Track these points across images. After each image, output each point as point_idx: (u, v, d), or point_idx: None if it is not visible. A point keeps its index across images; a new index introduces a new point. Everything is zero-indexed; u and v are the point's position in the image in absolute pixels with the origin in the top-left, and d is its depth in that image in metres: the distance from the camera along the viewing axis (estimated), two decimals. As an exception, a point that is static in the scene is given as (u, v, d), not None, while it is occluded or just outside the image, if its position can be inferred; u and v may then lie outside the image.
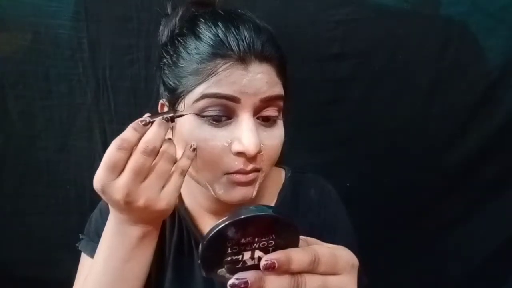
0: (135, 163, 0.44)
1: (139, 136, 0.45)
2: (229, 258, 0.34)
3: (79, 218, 0.83)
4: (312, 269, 0.34)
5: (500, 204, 0.90)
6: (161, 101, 0.57)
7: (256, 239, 0.33)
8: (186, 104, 0.50)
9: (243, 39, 0.49)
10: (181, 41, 0.52)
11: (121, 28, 0.77)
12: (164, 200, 0.47)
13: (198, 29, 0.51)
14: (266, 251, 0.34)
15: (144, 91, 0.79)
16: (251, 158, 0.50)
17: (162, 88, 0.56)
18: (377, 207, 0.88)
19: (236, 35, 0.49)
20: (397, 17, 0.80)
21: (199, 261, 0.35)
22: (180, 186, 0.49)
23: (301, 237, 0.36)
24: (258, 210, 0.33)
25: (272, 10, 0.77)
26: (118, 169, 0.45)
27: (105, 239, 0.52)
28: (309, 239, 0.37)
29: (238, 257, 0.34)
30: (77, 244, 0.63)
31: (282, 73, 0.53)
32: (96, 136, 0.82)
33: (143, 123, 0.45)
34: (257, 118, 0.51)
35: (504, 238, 0.92)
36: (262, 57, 0.50)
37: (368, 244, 0.71)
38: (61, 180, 0.85)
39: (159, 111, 0.58)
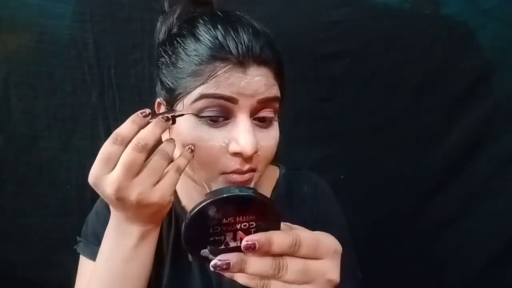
0: (125, 158, 0.44)
1: (136, 130, 0.45)
2: (211, 239, 0.35)
3: (79, 219, 0.79)
4: (293, 252, 0.34)
5: (496, 202, 0.90)
6: (158, 100, 0.56)
7: (237, 220, 0.35)
8: (185, 104, 0.50)
9: (242, 42, 0.49)
10: (180, 42, 0.51)
11: (125, 28, 0.79)
12: (156, 193, 0.46)
13: (198, 31, 0.51)
14: (247, 232, 0.35)
15: (148, 89, 0.81)
16: (248, 159, 0.50)
17: (159, 87, 0.55)
18: (370, 201, 0.89)
19: (235, 39, 0.49)
20: (395, 17, 0.82)
21: (183, 241, 0.35)
22: (175, 183, 0.48)
23: (286, 223, 0.37)
24: (238, 190, 0.35)
25: (269, 10, 0.79)
26: (111, 164, 0.44)
27: (106, 240, 0.52)
28: (294, 226, 0.38)
29: (220, 238, 0.35)
30: (75, 247, 0.63)
31: (279, 76, 0.54)
32: (101, 135, 0.82)
33: (143, 114, 0.45)
34: (254, 119, 0.52)
35: (504, 241, 0.91)
36: (260, 61, 0.50)
37: (361, 239, 0.72)
38: (62, 180, 0.85)
39: (156, 109, 0.57)
